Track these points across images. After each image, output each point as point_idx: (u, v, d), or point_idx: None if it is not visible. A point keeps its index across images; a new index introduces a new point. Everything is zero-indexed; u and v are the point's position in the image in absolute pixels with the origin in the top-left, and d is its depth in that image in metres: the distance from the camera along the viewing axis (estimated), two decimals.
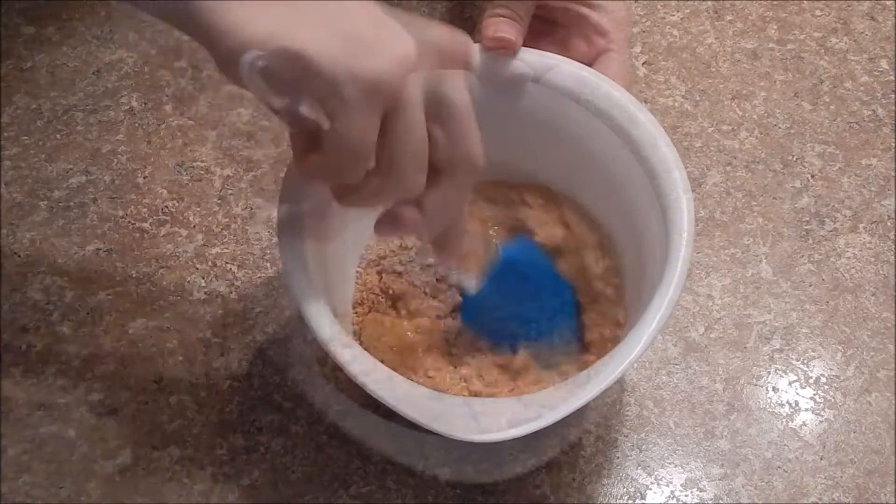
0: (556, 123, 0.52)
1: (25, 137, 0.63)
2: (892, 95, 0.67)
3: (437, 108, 0.40)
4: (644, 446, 0.54)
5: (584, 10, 0.55)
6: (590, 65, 0.53)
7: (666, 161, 0.48)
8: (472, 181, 0.43)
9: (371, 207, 0.43)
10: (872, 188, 0.63)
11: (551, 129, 0.53)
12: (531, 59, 0.52)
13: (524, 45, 0.52)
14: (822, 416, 0.55)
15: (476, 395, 0.51)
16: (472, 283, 0.51)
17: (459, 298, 0.53)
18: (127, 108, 0.65)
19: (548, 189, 0.56)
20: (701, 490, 0.53)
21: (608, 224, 0.54)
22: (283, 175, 0.48)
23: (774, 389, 0.56)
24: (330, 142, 0.38)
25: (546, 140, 0.53)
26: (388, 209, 0.43)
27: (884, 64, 0.69)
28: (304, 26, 0.37)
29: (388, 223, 0.44)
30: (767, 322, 0.58)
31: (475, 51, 0.50)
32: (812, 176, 0.64)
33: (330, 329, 0.44)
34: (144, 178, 0.62)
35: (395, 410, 0.42)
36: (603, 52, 0.55)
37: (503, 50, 0.51)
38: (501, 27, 0.51)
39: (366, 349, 0.49)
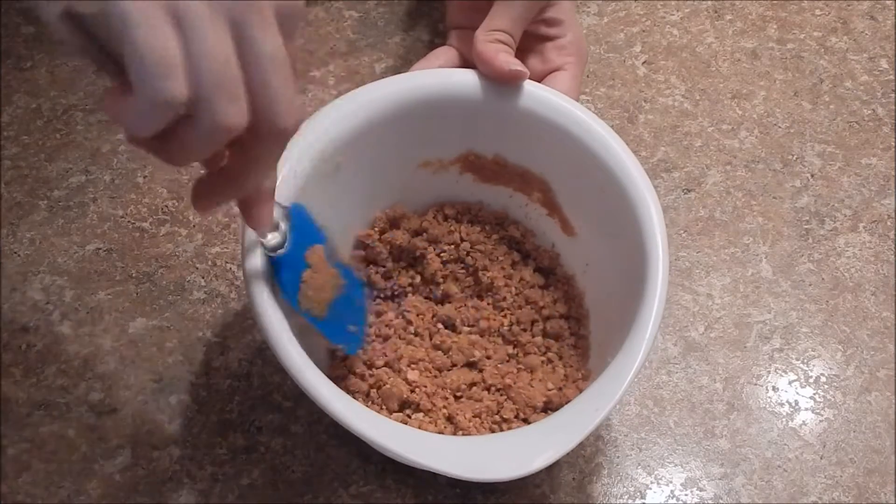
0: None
1: (25, 137, 0.63)
2: (892, 95, 0.67)
3: (240, 53, 0.35)
4: (644, 446, 0.54)
5: (543, 30, 0.55)
6: (539, 80, 0.54)
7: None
8: (276, 144, 0.38)
9: (189, 159, 0.39)
10: (872, 187, 0.63)
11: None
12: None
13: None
14: (822, 415, 0.55)
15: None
16: (277, 248, 0.46)
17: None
18: None
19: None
20: (701, 489, 0.53)
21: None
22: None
23: (774, 389, 0.56)
24: (130, 56, 0.33)
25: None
26: (199, 182, 0.40)
27: (884, 63, 0.69)
28: None
29: (201, 196, 0.40)
30: (767, 321, 0.58)
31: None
32: (812, 175, 0.64)
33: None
34: (144, 177, 0.62)
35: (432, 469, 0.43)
36: (555, 70, 0.55)
37: (517, 81, 0.51)
38: (511, 60, 0.51)
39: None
